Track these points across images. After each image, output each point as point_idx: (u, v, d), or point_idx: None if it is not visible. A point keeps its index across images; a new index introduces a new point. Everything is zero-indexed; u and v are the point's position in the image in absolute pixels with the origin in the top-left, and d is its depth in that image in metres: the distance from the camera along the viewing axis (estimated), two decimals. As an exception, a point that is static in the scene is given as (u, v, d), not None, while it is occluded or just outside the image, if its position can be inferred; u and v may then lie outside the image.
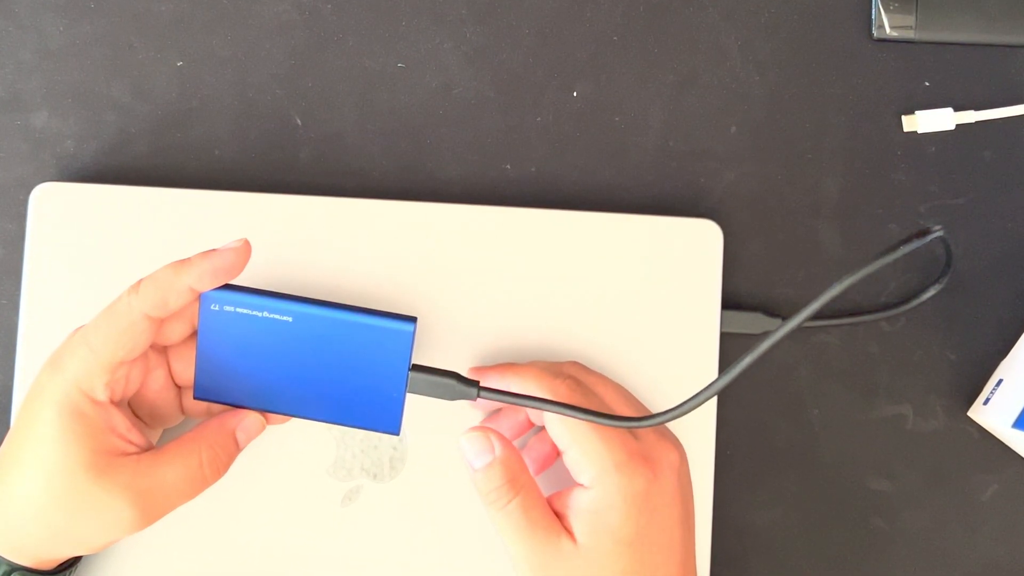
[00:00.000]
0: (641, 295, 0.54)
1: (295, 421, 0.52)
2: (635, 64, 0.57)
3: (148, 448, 0.47)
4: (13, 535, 0.45)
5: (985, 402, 0.55)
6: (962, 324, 0.56)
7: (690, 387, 0.53)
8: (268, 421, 0.49)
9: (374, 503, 0.53)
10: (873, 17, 0.57)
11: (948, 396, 0.56)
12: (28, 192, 0.54)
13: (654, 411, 0.50)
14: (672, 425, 0.53)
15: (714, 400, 0.54)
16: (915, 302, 0.56)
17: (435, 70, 0.57)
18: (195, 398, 0.48)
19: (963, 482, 0.56)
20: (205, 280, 0.46)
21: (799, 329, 0.55)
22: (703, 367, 0.54)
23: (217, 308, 0.46)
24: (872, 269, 0.41)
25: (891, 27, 0.56)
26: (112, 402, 0.46)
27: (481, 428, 0.48)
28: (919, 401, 0.56)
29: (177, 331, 0.48)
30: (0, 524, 0.45)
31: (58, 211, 0.53)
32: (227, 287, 0.46)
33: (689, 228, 0.54)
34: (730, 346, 0.55)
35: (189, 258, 0.46)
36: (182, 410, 0.50)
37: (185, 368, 0.49)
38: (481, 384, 0.48)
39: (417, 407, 0.53)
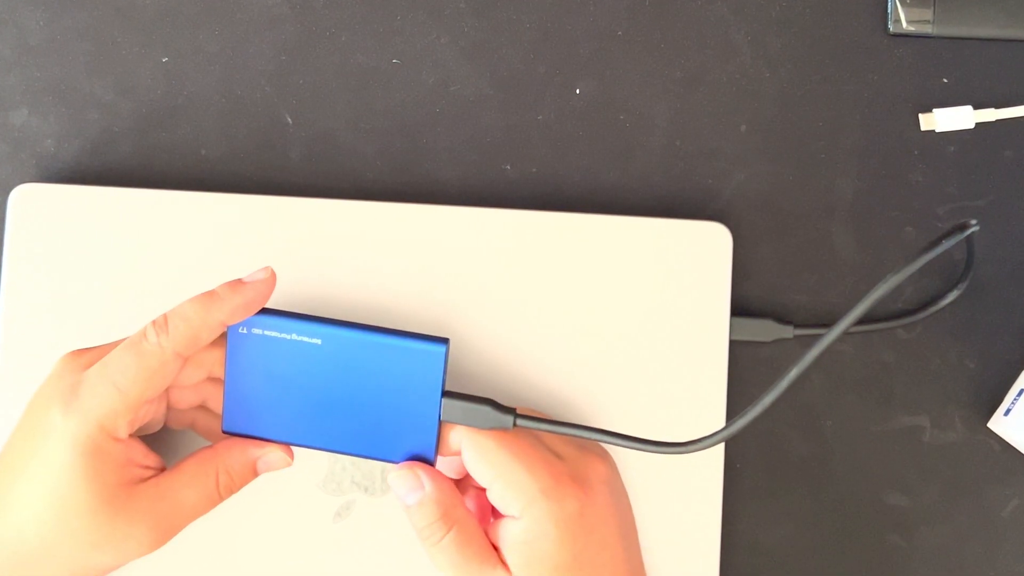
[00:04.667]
0: (647, 301, 0.53)
1: None
2: (640, 60, 0.56)
3: (161, 466, 0.47)
4: (24, 570, 0.45)
5: (1006, 413, 0.54)
6: (982, 331, 0.56)
7: (698, 397, 0.53)
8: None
9: (367, 518, 0.52)
10: (889, 11, 0.56)
11: (967, 407, 0.55)
12: (7, 194, 0.53)
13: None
14: (677, 432, 0.52)
15: (722, 411, 0.53)
16: (933, 308, 0.55)
17: (432, 66, 0.56)
18: (224, 431, 0.48)
19: (983, 496, 0.55)
20: (238, 314, 0.46)
21: (810, 337, 0.54)
22: (712, 376, 0.53)
23: (245, 331, 0.46)
24: (917, 266, 0.41)
25: (908, 21, 0.55)
26: (130, 435, 0.46)
27: (408, 464, 0.47)
28: (937, 412, 0.55)
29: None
30: (17, 567, 0.45)
31: (38, 213, 0.53)
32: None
33: (697, 231, 0.54)
34: (740, 354, 0.54)
35: (216, 292, 0.45)
36: (165, 421, 0.50)
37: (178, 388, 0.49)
38: (519, 413, 0.47)
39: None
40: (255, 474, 0.49)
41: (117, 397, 0.44)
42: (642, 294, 0.53)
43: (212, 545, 0.52)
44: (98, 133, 0.55)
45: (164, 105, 0.55)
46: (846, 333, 0.55)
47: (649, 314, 0.53)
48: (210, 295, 0.45)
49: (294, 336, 0.46)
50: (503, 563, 0.46)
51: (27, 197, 0.53)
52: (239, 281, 0.46)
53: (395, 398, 0.46)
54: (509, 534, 0.46)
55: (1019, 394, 0.53)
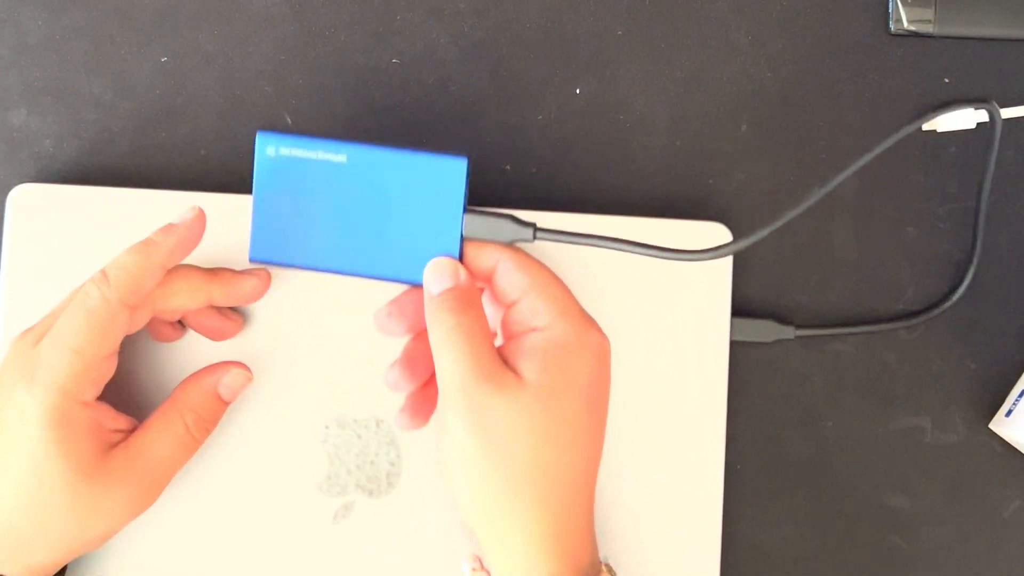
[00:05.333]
0: (647, 302, 0.53)
1: (286, 434, 0.52)
2: (641, 60, 0.56)
3: (132, 427, 0.47)
4: (24, 556, 0.45)
5: (1007, 414, 0.54)
6: (983, 332, 0.55)
7: (699, 398, 0.52)
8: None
9: (367, 520, 0.52)
10: (890, 10, 0.55)
11: (969, 408, 0.55)
12: (5, 194, 0.53)
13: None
14: (677, 434, 0.52)
15: (723, 412, 0.53)
16: (936, 311, 0.55)
17: (432, 66, 0.55)
18: (250, 259, 0.48)
19: (984, 498, 0.55)
20: (175, 255, 0.46)
21: (811, 338, 0.54)
22: (712, 377, 0.53)
23: (273, 152, 0.46)
24: (932, 119, 0.44)
25: (909, 21, 0.55)
26: (96, 399, 0.46)
27: (448, 258, 0.46)
28: (938, 413, 0.55)
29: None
30: (9, 551, 0.45)
31: (37, 214, 0.52)
32: (281, 131, 0.47)
33: (697, 231, 0.53)
34: (740, 355, 0.54)
35: (150, 238, 0.46)
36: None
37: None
38: (538, 227, 0.46)
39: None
40: (221, 402, 0.49)
41: (75, 359, 0.44)
42: (643, 295, 0.53)
43: (212, 545, 0.52)
44: (97, 133, 0.55)
45: (163, 105, 0.55)
46: (848, 334, 0.55)
47: (649, 314, 0.53)
48: (145, 242, 0.46)
49: (320, 155, 0.46)
50: (513, 371, 0.44)
51: (26, 197, 0.52)
52: (171, 224, 0.46)
53: (418, 215, 0.46)
54: (529, 342, 0.45)
55: (1021, 395, 0.53)
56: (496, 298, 0.47)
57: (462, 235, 0.46)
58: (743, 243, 0.45)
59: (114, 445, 0.46)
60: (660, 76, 0.56)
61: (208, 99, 0.55)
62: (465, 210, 0.46)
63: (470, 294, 0.46)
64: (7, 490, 0.44)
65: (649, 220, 0.53)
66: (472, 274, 0.47)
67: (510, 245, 0.47)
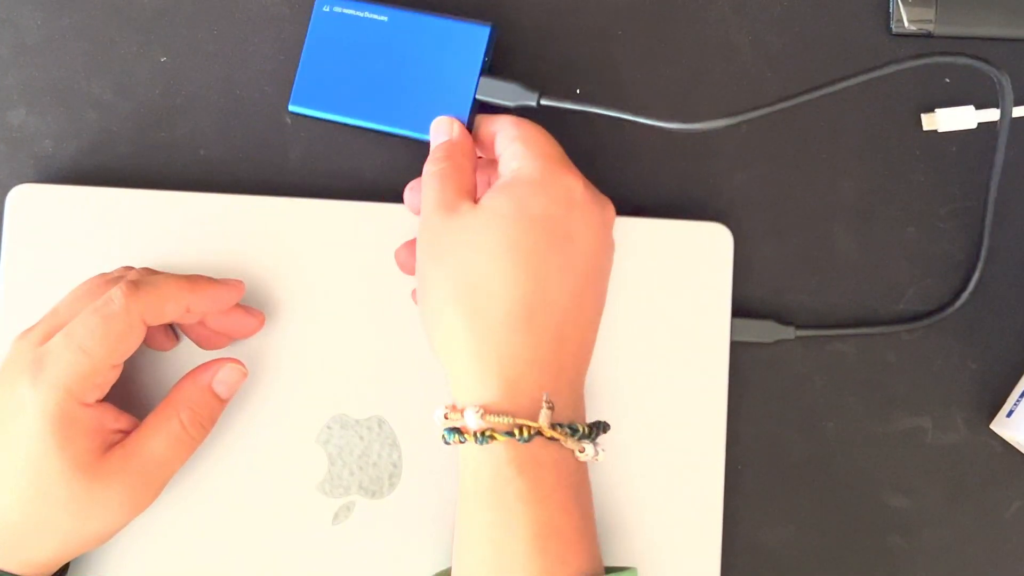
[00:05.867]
0: (648, 302, 0.53)
1: (287, 435, 0.52)
2: (640, 60, 0.56)
3: (134, 427, 0.48)
4: (21, 552, 0.46)
5: (1008, 414, 0.53)
6: (984, 332, 0.55)
7: (700, 398, 0.52)
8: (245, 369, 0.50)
9: (367, 520, 0.52)
10: (891, 10, 0.55)
11: (969, 408, 0.55)
12: (5, 194, 0.53)
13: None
14: (677, 434, 0.52)
15: (723, 413, 0.53)
16: (939, 316, 0.54)
17: (431, 66, 0.55)
18: (290, 107, 0.52)
19: (985, 498, 0.55)
20: (203, 306, 0.48)
21: (812, 339, 0.54)
22: (713, 377, 0.53)
23: (328, 9, 0.52)
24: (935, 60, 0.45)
25: (910, 21, 0.55)
26: (99, 400, 0.46)
27: (450, 116, 0.50)
28: (939, 413, 0.55)
29: None
30: (8, 546, 0.45)
31: (36, 214, 0.52)
32: None
33: (698, 232, 0.53)
34: (741, 355, 0.54)
35: (196, 280, 0.48)
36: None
37: None
38: (543, 93, 0.50)
39: (415, 422, 0.52)
40: (217, 399, 0.49)
41: (85, 361, 0.45)
42: (643, 295, 0.53)
43: (212, 546, 0.52)
44: (96, 133, 0.55)
45: (163, 105, 0.55)
46: (849, 335, 0.55)
47: (650, 315, 0.53)
48: (192, 280, 0.47)
49: (367, 14, 0.51)
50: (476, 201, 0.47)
51: (25, 197, 0.52)
52: (218, 280, 0.49)
53: (441, 76, 0.51)
54: (500, 180, 0.47)
55: (1022, 396, 0.53)
56: (495, 158, 0.49)
57: (475, 97, 0.50)
58: (723, 122, 0.47)
59: (114, 445, 0.46)
60: (660, 76, 0.55)
61: (208, 99, 0.55)
62: (481, 75, 0.50)
63: (458, 146, 0.49)
64: (5, 485, 0.45)
65: (649, 220, 0.53)
66: (480, 141, 0.50)
67: (515, 113, 0.50)
